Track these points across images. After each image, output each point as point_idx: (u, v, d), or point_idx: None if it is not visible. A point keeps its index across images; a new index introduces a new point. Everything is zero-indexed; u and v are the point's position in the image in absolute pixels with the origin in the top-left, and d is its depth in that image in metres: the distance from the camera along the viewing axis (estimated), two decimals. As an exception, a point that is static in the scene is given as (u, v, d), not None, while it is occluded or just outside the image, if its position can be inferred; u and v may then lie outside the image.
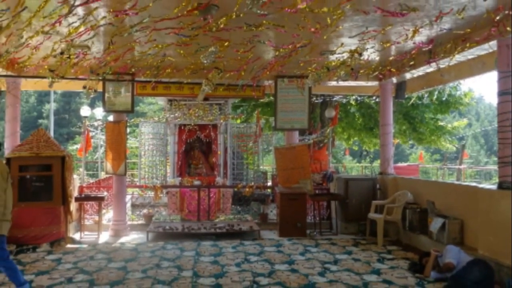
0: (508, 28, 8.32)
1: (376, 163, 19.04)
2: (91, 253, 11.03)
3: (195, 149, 22.06)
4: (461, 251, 8.84)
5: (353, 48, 10.70)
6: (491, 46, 9.32)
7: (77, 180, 14.56)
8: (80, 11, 7.91)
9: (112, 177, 14.36)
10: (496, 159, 9.84)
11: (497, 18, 8.28)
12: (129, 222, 14.55)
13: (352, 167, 41.52)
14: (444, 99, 23.95)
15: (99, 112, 28.61)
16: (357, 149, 33.96)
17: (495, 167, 13.28)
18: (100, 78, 12.60)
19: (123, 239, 12.86)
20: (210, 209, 15.85)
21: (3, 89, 13.03)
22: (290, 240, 12.63)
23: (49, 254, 10.89)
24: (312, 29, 8.86)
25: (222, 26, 8.51)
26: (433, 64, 11.14)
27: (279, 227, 13.35)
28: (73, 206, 12.62)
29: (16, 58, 11.55)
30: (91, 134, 27.21)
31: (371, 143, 27.49)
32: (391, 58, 12.13)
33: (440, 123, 26.20)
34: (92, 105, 30.64)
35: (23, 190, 11.79)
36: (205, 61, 10.06)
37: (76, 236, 12.89)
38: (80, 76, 12.53)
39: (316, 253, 11.12)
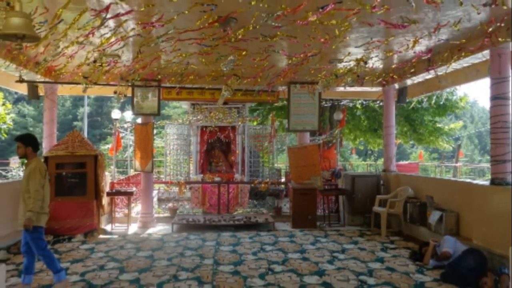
0: (500, 39, 8.34)
1: (380, 161, 18.90)
2: (121, 243, 11.07)
3: (215, 149, 22.04)
4: (457, 241, 8.82)
5: (359, 57, 10.69)
6: (484, 55, 9.29)
7: (109, 177, 14.60)
8: (111, 23, 7.95)
9: (140, 174, 14.38)
10: (489, 157, 9.80)
11: (490, 29, 8.29)
12: (155, 215, 14.56)
13: (358, 165, 41.35)
14: (441, 103, 23.85)
15: (128, 115, 28.63)
16: (363, 149, 33.93)
17: (488, 165, 13.18)
18: (130, 84, 12.62)
19: (150, 230, 12.87)
20: (229, 203, 15.84)
21: (41, 94, 13.10)
22: (302, 231, 12.61)
23: (83, 244, 10.93)
24: (322, 40, 8.84)
25: (240, 37, 8.51)
26: (432, 72, 11.10)
27: (292, 219, 13.33)
28: (105, 200, 12.66)
29: (53, 66, 11.62)
30: (121, 135, 27.24)
31: (375, 143, 27.42)
32: (393, 66, 12.09)
33: (438, 125, 26.13)
34: (122, 109, 30.77)
35: (59, 185, 11.84)
36: (225, 69, 10.07)
37: (108, 227, 12.92)
38: (111, 82, 12.57)
39: (325, 243, 11.09)
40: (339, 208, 14.37)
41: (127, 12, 7.38)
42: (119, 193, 13.99)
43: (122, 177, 23.59)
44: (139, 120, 15.51)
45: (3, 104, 22.21)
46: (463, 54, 9.65)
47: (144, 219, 13.51)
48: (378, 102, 19.85)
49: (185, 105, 24.71)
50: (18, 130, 44.23)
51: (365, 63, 11.06)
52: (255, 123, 25.34)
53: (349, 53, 10.40)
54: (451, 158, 42.00)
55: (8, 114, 22.86)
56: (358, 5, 6.92)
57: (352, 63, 11.18)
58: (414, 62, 11.31)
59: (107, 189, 13.37)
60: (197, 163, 21.13)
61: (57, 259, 7.65)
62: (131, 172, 25.21)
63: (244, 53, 9.72)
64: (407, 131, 25.63)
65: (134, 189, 15.16)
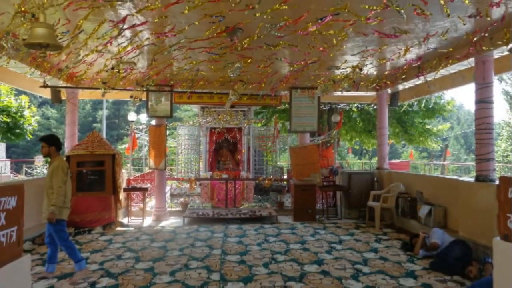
0: (484, 47, 8.36)
1: (374, 160, 18.89)
2: (136, 235, 11.07)
3: (223, 148, 22.12)
4: (444, 233, 8.82)
5: (354, 64, 10.68)
6: (470, 62, 9.27)
7: (125, 174, 14.60)
8: (127, 33, 7.96)
9: (154, 171, 14.37)
10: (474, 156, 9.80)
11: (475, 39, 8.31)
12: (168, 209, 14.54)
13: (354, 163, 41.35)
14: (430, 106, 23.83)
15: (143, 117, 28.68)
16: (358, 148, 33.76)
17: (473, 163, 13.18)
18: (144, 89, 12.65)
19: (163, 223, 12.87)
20: (236, 198, 15.85)
21: (64, 98, 13.10)
22: (302, 224, 12.59)
23: (102, 236, 10.94)
24: (321, 48, 8.84)
25: (246, 46, 8.52)
26: (422, 77, 11.07)
27: (293, 213, 13.30)
28: (122, 195, 12.67)
29: (75, 72, 11.64)
30: (136, 135, 27.30)
31: (370, 143, 27.34)
32: (386, 72, 12.06)
33: (427, 127, 26.04)
34: (137, 112, 30.74)
35: (80, 182, 11.87)
36: (232, 75, 10.07)
37: (124, 220, 12.91)
38: (128, 87, 12.59)
39: (324, 234, 11.08)
40: (336, 202, 14.35)
41: (142, 23, 7.38)
42: (134, 189, 14.02)
43: (137, 174, 23.70)
44: (153, 122, 15.55)
45: (29, 107, 22.27)
46: (450, 61, 9.64)
47: (157, 212, 13.50)
48: (372, 105, 19.79)
49: (195, 108, 24.84)
50: (42, 131, 44.42)
51: (360, 69, 11.05)
52: (259, 124, 25.35)
53: (345, 60, 10.38)
54: (439, 157, 41.94)
55: (33, 116, 22.92)
56: (354, 16, 6.93)
57: (349, 70, 11.16)
58: (405, 69, 11.31)
59: (124, 185, 13.37)
60: (207, 162, 21.22)
61: (78, 250, 7.67)
62: (146, 170, 25.31)
63: (249, 60, 9.72)
64: (399, 132, 25.56)
65: (148, 185, 15.24)
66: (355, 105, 21.94)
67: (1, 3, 6.53)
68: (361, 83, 13.10)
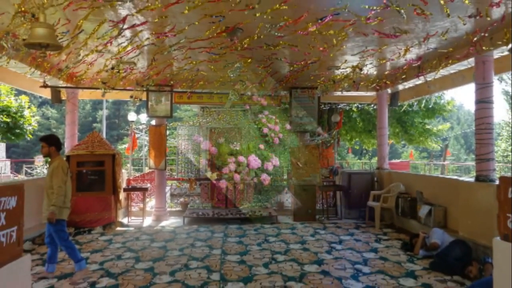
0: (484, 47, 8.37)
1: (374, 160, 18.87)
2: (136, 235, 11.07)
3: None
4: (444, 233, 8.83)
5: (354, 64, 10.69)
6: (470, 62, 9.28)
7: (125, 174, 14.59)
8: (127, 33, 7.96)
9: (154, 171, 14.37)
10: (474, 156, 9.80)
11: (475, 39, 8.32)
12: (168, 209, 14.56)
13: (354, 163, 41.28)
14: (430, 106, 23.78)
15: (143, 117, 28.69)
16: (358, 148, 33.72)
17: (473, 163, 13.18)
18: (144, 89, 12.66)
19: (163, 223, 12.87)
20: (236, 198, 15.83)
21: (64, 98, 13.10)
22: (302, 224, 12.60)
23: (102, 236, 10.94)
24: (321, 48, 8.85)
25: (246, 45, 8.54)
26: (422, 77, 11.08)
27: (293, 213, 13.33)
28: (122, 195, 12.66)
29: (75, 72, 11.64)
30: (136, 135, 27.35)
31: (370, 143, 27.30)
32: (386, 72, 12.06)
33: (427, 127, 26.00)
34: (137, 112, 30.75)
35: (80, 182, 11.85)
36: (232, 75, 10.10)
37: (124, 220, 12.90)
38: (128, 87, 12.60)
39: (324, 234, 11.07)
40: (336, 202, 14.35)
41: (142, 23, 7.39)
42: (134, 189, 14.01)
43: (137, 174, 23.70)
44: (153, 122, 15.55)
45: (29, 107, 22.25)
46: (450, 61, 9.65)
47: (157, 212, 13.51)
48: (372, 105, 19.78)
49: (195, 108, 24.81)
50: (42, 131, 44.42)
51: (360, 69, 11.06)
52: (259, 125, 25.35)
53: (345, 60, 10.39)
54: (439, 157, 41.99)
55: (33, 116, 22.89)
56: (354, 16, 6.94)
57: (349, 70, 11.18)
58: (405, 69, 11.31)
59: (124, 185, 13.36)
60: (207, 162, 21.17)
61: (78, 250, 7.67)
62: (146, 170, 25.32)
63: (249, 60, 9.74)
64: (399, 132, 25.53)
65: (148, 185, 15.25)
66: (355, 105, 21.93)
67: (1, 3, 6.53)
68: (361, 83, 13.10)
